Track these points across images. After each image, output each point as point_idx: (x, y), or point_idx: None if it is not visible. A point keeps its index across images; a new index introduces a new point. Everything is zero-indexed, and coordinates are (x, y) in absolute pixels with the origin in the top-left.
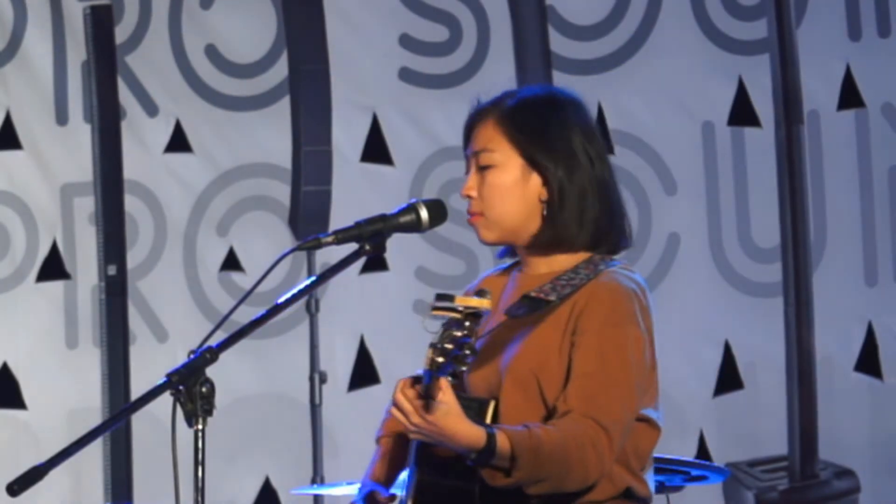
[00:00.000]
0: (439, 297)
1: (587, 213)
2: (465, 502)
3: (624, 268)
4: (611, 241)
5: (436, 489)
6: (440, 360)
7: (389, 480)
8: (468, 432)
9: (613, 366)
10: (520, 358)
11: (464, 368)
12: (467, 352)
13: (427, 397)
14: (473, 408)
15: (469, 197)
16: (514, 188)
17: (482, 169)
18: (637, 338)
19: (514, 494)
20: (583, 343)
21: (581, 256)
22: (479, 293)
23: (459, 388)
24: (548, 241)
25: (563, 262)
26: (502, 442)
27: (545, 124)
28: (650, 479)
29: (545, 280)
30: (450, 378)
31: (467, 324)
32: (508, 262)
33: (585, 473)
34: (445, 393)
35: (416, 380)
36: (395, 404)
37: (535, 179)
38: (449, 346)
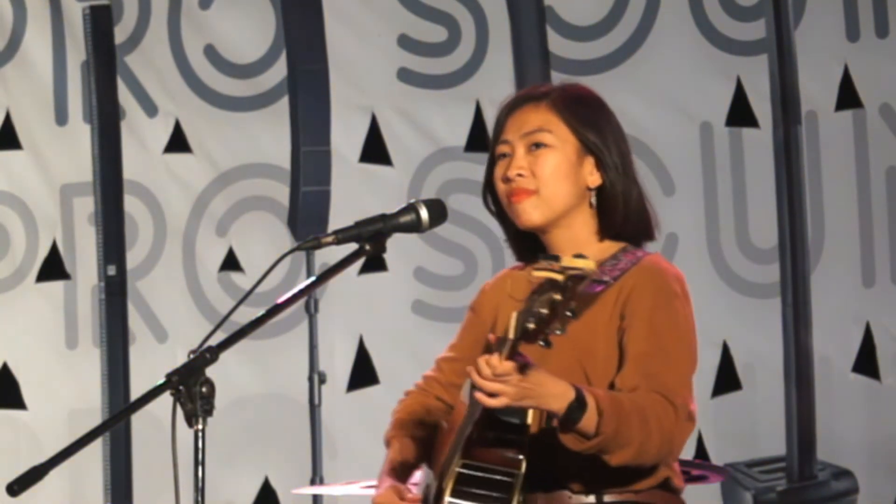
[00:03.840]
0: (546, 257)
1: (633, 201)
2: (504, 490)
3: (661, 257)
4: (641, 233)
5: (475, 478)
6: (530, 326)
7: (405, 475)
8: (555, 387)
9: (668, 344)
10: (566, 346)
11: (558, 332)
12: (568, 314)
13: (521, 363)
14: None
15: (519, 176)
16: (570, 170)
17: (536, 147)
18: (687, 315)
19: (554, 479)
20: (634, 325)
21: (615, 247)
22: (578, 256)
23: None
24: (593, 228)
25: (597, 254)
26: (588, 398)
27: (595, 113)
28: (679, 473)
29: None
30: (541, 343)
31: (570, 284)
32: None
33: (664, 439)
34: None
35: (486, 349)
36: (481, 376)
37: (588, 165)
38: (543, 310)
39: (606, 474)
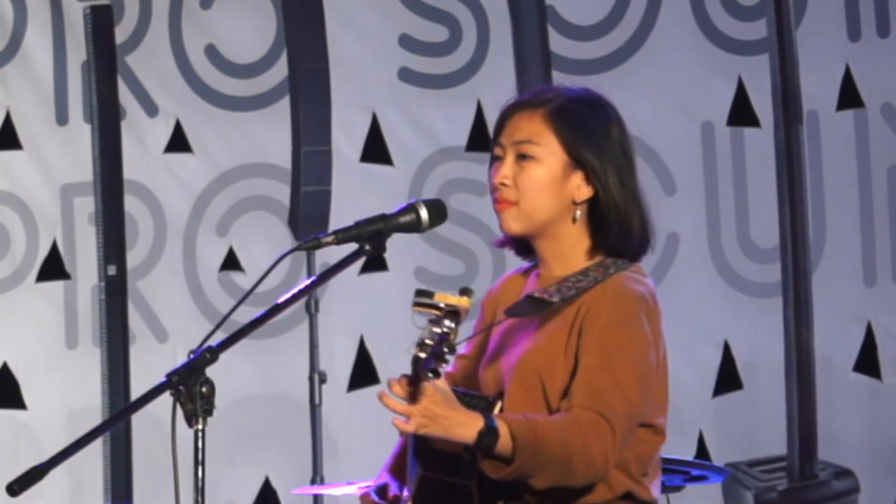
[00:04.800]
0: (419, 293)
1: (625, 218)
2: (463, 498)
3: (635, 271)
4: (635, 249)
5: (435, 485)
6: (422, 355)
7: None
8: (463, 416)
9: (615, 362)
10: (526, 359)
11: (444, 365)
12: (446, 349)
13: (412, 387)
14: (480, 406)
15: (502, 185)
16: (553, 184)
17: (522, 158)
18: (640, 336)
19: (511, 488)
20: (586, 343)
21: (596, 259)
22: (463, 291)
23: (472, 386)
24: (581, 241)
25: (578, 264)
26: (499, 425)
27: (593, 126)
28: (656, 485)
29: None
30: (430, 374)
31: (447, 322)
32: (528, 263)
33: (591, 460)
34: (431, 384)
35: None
36: (381, 401)
37: (576, 180)
38: (429, 342)
39: (561, 488)
